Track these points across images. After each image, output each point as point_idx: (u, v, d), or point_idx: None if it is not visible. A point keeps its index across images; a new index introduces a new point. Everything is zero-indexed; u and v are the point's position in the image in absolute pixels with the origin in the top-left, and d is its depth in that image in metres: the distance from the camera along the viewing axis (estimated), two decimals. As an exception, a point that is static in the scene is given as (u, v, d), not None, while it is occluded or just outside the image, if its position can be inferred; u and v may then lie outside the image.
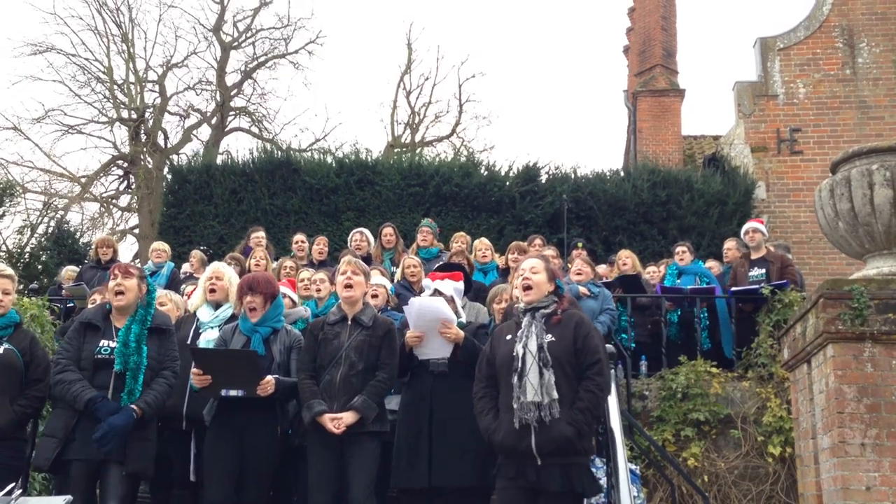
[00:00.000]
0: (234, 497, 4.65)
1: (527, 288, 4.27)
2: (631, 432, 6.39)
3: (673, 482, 6.52)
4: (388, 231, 8.95)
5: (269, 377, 4.59)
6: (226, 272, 5.64)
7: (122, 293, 4.65)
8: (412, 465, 4.70)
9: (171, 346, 4.76)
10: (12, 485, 2.73)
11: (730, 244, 9.12)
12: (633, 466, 5.62)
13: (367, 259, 8.00)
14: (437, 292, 5.21)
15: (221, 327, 5.21)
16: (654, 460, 6.85)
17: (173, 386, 4.68)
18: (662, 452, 6.74)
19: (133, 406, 4.42)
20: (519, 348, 4.07)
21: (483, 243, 8.28)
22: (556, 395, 3.92)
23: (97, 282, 8.30)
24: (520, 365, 4.02)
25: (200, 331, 5.37)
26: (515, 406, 3.96)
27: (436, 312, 4.81)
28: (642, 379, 7.84)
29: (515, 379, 3.99)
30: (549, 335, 4.08)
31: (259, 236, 9.01)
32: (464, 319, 5.20)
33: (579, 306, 6.00)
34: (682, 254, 8.78)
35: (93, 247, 9.51)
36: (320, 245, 8.62)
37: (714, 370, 7.64)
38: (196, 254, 8.89)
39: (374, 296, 5.99)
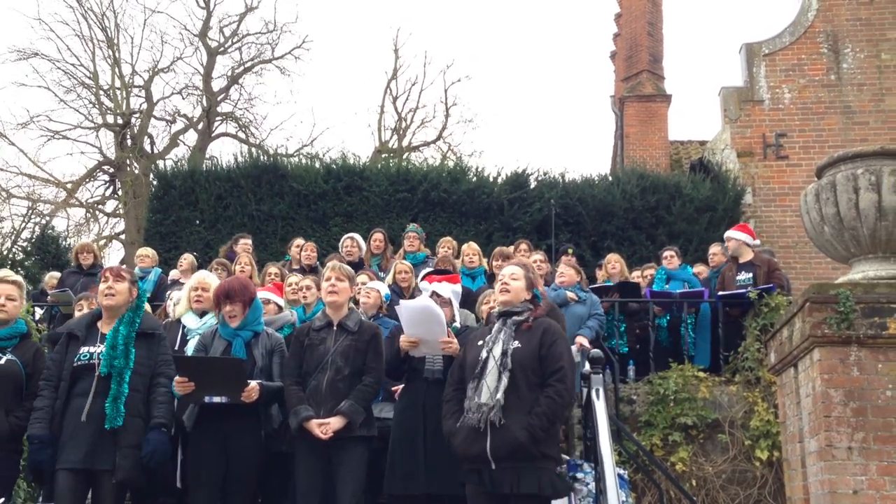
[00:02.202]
0: (218, 502, 4.62)
1: (504, 292, 4.35)
2: (619, 437, 6.39)
3: (661, 486, 6.52)
4: (377, 237, 8.94)
5: (253, 384, 4.55)
6: (211, 282, 5.59)
7: (111, 295, 4.62)
8: (407, 473, 4.68)
9: (163, 350, 4.72)
10: (-4, 494, 2.71)
11: (715, 249, 9.16)
12: (622, 471, 5.62)
13: (359, 265, 7.97)
14: (434, 294, 5.20)
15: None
16: (643, 465, 6.85)
17: (170, 389, 4.64)
18: (650, 457, 6.74)
19: (160, 422, 4.48)
20: (483, 353, 4.16)
21: (471, 248, 8.26)
22: (500, 398, 3.97)
23: (79, 287, 8.26)
24: (481, 368, 4.09)
25: (188, 337, 5.33)
26: (467, 406, 4.03)
27: (424, 312, 4.78)
28: (630, 384, 7.85)
29: (474, 381, 4.08)
30: (516, 342, 4.16)
31: (247, 243, 8.97)
32: (458, 324, 5.18)
33: (561, 314, 6.03)
34: (671, 258, 8.80)
35: (73, 252, 9.44)
36: (308, 251, 8.59)
37: (701, 374, 7.66)
38: (187, 258, 8.80)
39: (367, 296, 5.96)
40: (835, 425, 5.00)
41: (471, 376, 4.14)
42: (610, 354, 7.44)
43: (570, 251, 9.26)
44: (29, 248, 15.21)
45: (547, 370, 4.08)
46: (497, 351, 4.10)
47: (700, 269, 9.29)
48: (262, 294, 5.57)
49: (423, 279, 6.02)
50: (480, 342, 4.28)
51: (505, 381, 3.99)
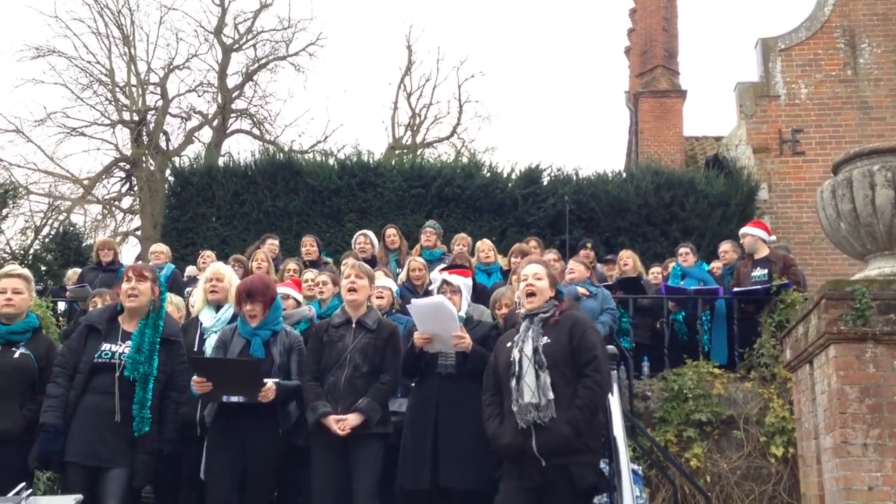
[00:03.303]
0: (236, 500, 4.67)
1: (530, 295, 4.32)
2: (633, 433, 6.40)
3: (675, 483, 6.52)
4: (391, 232, 8.95)
5: (269, 384, 4.59)
6: (226, 273, 5.63)
7: (135, 296, 4.65)
8: (417, 467, 4.72)
9: (180, 357, 4.78)
10: (22, 484, 2.75)
11: (725, 246, 9.08)
12: (636, 467, 5.64)
13: (372, 261, 8.00)
14: (444, 283, 5.22)
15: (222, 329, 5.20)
16: (657, 461, 6.86)
17: (181, 403, 4.72)
18: (664, 453, 6.75)
19: (163, 448, 4.58)
20: (515, 353, 4.14)
21: (485, 244, 8.28)
22: (551, 395, 3.96)
23: (98, 283, 8.34)
24: (517, 368, 4.08)
25: (205, 336, 5.36)
26: (515, 409, 4.01)
27: (436, 309, 4.81)
28: (644, 380, 7.86)
29: (513, 382, 4.05)
30: (545, 337, 4.14)
31: (273, 244, 8.98)
32: (463, 313, 5.20)
33: (579, 308, 6.05)
34: (686, 255, 8.77)
35: (94, 249, 9.55)
36: (306, 246, 8.61)
37: (717, 371, 7.65)
38: (210, 255, 8.81)
39: (380, 297, 6.01)
40: (850, 422, 5.00)
41: (506, 378, 4.13)
42: (624, 350, 7.45)
43: (589, 245, 9.26)
44: (50, 245, 15.33)
45: (581, 361, 4.05)
46: (528, 349, 4.09)
47: (715, 265, 9.27)
48: (280, 290, 5.61)
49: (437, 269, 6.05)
50: (509, 344, 4.26)
51: (545, 378, 3.98)
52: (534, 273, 4.37)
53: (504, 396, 4.19)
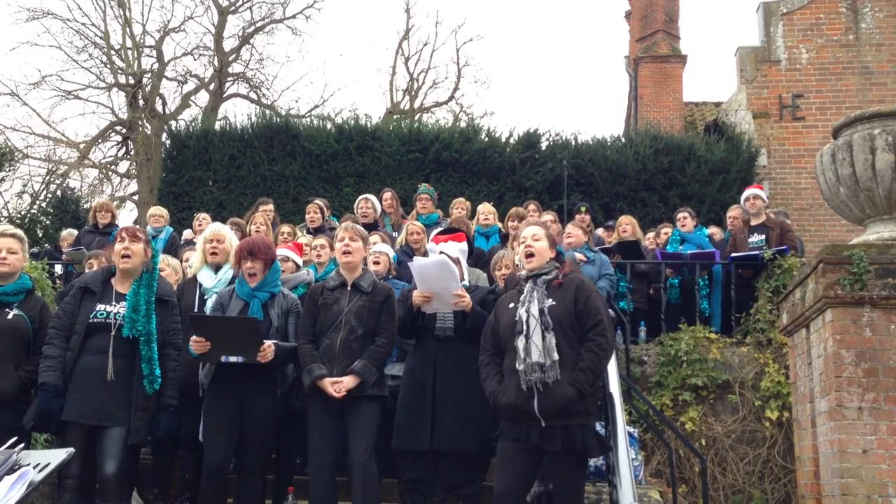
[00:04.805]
0: (232, 459, 4.70)
1: (529, 255, 4.31)
2: (630, 396, 6.43)
3: (671, 445, 6.58)
4: (387, 196, 8.94)
5: (268, 343, 4.59)
6: (226, 234, 5.57)
7: (128, 257, 4.61)
8: (414, 428, 4.74)
9: (174, 317, 4.75)
10: (14, 438, 2.76)
11: (734, 212, 9.04)
12: (632, 430, 5.68)
13: (374, 226, 7.98)
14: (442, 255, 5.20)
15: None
16: (653, 424, 6.91)
17: (179, 362, 4.70)
18: (661, 416, 6.79)
19: (170, 403, 4.59)
20: (522, 312, 4.11)
21: (486, 208, 8.24)
22: (556, 356, 3.96)
23: (95, 246, 8.31)
24: (524, 327, 4.06)
25: (205, 297, 5.33)
26: (521, 367, 4.00)
27: (438, 268, 4.80)
28: (641, 344, 7.88)
29: (522, 340, 4.03)
30: (550, 299, 4.13)
31: (268, 209, 8.94)
32: (467, 282, 5.20)
33: (580, 270, 6.03)
34: (684, 220, 8.73)
35: (91, 211, 9.52)
36: (310, 213, 8.58)
37: (713, 336, 7.68)
38: (206, 218, 8.75)
39: (376, 262, 5.99)
40: (846, 385, 5.03)
41: (511, 337, 4.12)
42: (621, 315, 7.45)
43: (584, 209, 9.22)
44: (47, 208, 15.28)
45: (586, 325, 4.07)
46: (535, 310, 4.08)
47: (714, 231, 9.25)
48: (281, 252, 5.57)
49: (430, 239, 6.03)
50: (512, 304, 4.25)
51: (551, 339, 3.98)
52: (532, 234, 4.36)
53: (505, 356, 4.20)
